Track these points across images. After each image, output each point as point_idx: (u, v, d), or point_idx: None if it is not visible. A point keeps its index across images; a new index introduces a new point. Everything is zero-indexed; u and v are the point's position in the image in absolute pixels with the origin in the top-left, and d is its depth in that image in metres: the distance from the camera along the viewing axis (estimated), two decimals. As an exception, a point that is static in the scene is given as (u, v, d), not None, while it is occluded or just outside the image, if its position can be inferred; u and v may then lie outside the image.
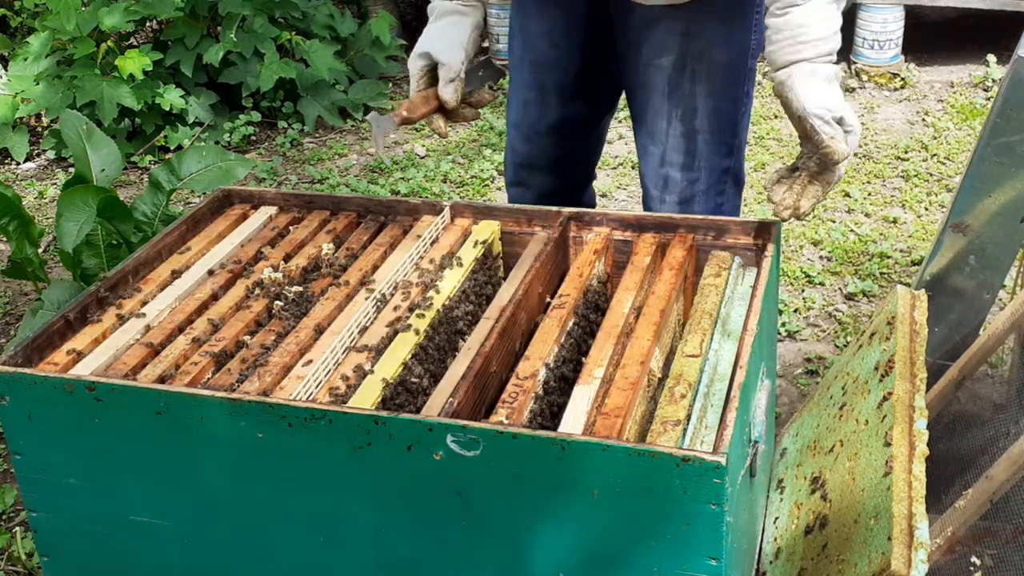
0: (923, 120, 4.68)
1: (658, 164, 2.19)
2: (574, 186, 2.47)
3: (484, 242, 1.99)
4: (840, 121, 1.80)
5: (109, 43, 4.47)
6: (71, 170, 4.34)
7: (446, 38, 2.03)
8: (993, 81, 4.97)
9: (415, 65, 2.04)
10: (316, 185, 4.38)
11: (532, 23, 2.23)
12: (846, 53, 5.19)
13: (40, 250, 3.52)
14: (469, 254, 1.96)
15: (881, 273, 3.46)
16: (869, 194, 4.03)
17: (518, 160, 2.39)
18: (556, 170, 2.39)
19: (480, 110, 2.13)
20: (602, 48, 2.23)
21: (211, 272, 1.95)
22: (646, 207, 2.27)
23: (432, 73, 2.04)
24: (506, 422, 1.51)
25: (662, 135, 2.15)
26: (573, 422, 1.52)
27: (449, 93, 2.01)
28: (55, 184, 4.49)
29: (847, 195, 4.01)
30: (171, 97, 4.52)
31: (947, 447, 2.14)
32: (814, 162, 1.85)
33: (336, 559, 1.58)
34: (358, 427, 1.46)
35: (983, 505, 1.80)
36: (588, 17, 2.19)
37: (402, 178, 4.34)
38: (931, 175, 4.14)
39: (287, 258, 2.00)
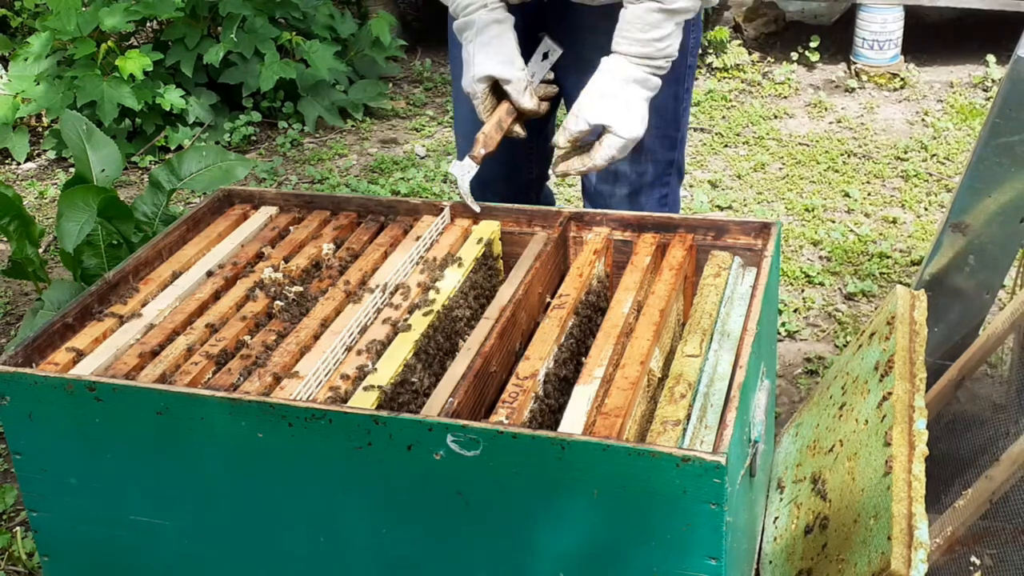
0: (923, 120, 4.68)
1: None
2: (530, 187, 2.48)
3: (485, 242, 1.99)
4: (605, 127, 1.96)
5: (109, 43, 4.47)
6: (71, 170, 4.34)
7: (499, 53, 2.00)
8: (993, 81, 4.97)
9: (477, 88, 2.03)
10: (316, 185, 4.38)
11: None
12: (846, 53, 5.19)
13: (40, 250, 3.52)
14: (469, 254, 1.96)
15: (881, 273, 3.46)
16: (869, 194, 4.03)
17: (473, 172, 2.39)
18: (511, 174, 2.40)
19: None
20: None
21: (211, 272, 1.95)
22: (592, 203, 2.30)
23: (495, 90, 2.04)
24: (506, 422, 1.51)
25: None
26: (573, 422, 1.52)
27: (528, 102, 2.02)
28: (55, 184, 4.49)
29: (847, 195, 4.01)
30: (171, 97, 4.53)
31: (947, 447, 2.14)
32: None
33: (336, 559, 1.58)
34: (358, 427, 1.46)
35: (983, 505, 1.80)
36: (525, 22, 2.17)
37: (402, 178, 4.35)
38: (931, 175, 4.14)
39: (287, 258, 2.00)
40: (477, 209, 2.06)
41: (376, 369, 1.66)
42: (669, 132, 2.23)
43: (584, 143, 2.01)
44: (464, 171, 2.04)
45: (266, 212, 2.16)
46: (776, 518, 2.09)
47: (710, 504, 1.36)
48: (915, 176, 4.13)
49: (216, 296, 1.89)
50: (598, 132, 1.98)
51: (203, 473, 1.58)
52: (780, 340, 3.13)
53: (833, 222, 3.82)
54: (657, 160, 2.24)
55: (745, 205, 3.99)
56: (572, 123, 1.97)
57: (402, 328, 1.76)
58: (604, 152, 1.97)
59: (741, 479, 1.53)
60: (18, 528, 2.51)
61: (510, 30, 2.03)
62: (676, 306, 1.89)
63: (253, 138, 4.84)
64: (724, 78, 5.20)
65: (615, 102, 1.94)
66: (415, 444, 1.44)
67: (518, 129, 2.06)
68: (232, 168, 3.07)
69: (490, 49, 2.00)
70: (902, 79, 5.03)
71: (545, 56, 2.12)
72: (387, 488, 1.50)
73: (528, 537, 1.46)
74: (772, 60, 5.38)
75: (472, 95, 2.04)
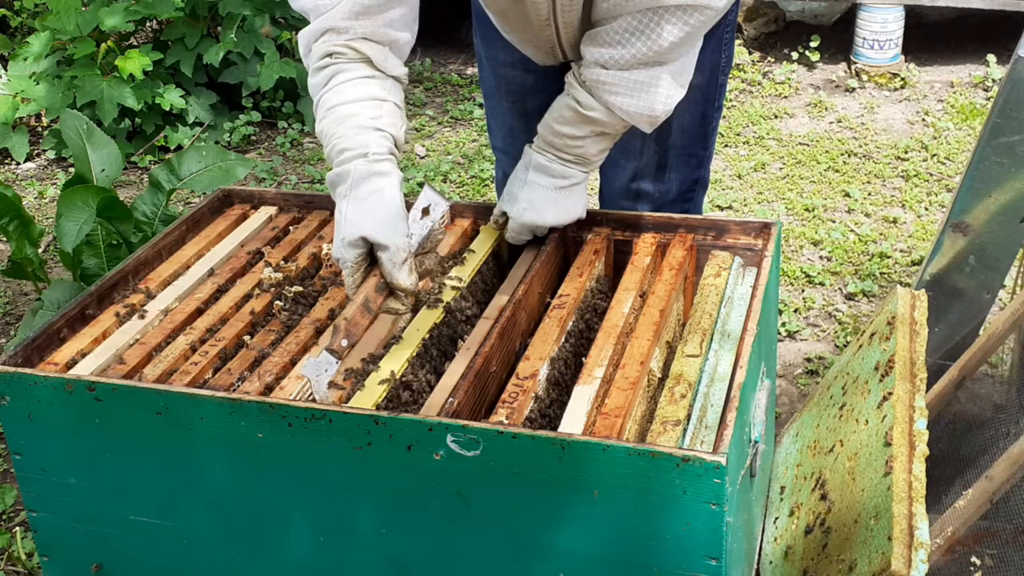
0: (923, 120, 4.68)
1: (630, 178, 2.21)
2: None
3: (493, 244, 1.98)
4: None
5: (109, 43, 4.47)
6: (71, 170, 4.34)
7: (377, 211, 1.66)
8: (993, 81, 4.97)
9: (350, 255, 1.67)
10: (316, 185, 4.38)
11: (500, 54, 2.16)
12: (846, 53, 5.19)
13: (40, 250, 3.52)
14: (470, 254, 1.96)
15: (881, 273, 3.46)
16: (869, 194, 4.03)
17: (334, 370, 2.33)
18: None
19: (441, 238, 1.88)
20: None
21: (211, 272, 1.95)
22: None
23: (371, 258, 1.70)
24: (506, 422, 1.51)
25: (636, 152, 2.16)
26: (573, 422, 1.52)
27: (405, 278, 1.67)
28: (55, 184, 4.49)
29: (847, 195, 4.01)
30: (171, 97, 4.53)
31: (947, 447, 2.14)
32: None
33: (337, 559, 1.58)
34: (358, 427, 1.46)
35: (983, 505, 1.80)
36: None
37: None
38: (931, 175, 4.14)
39: (287, 258, 2.00)
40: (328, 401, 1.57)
41: (377, 369, 1.65)
42: (696, 151, 2.19)
43: None
44: (321, 370, 1.56)
45: (266, 212, 2.16)
46: (776, 518, 2.09)
47: (710, 504, 1.36)
48: (915, 176, 4.13)
49: (216, 296, 1.89)
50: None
51: (203, 473, 1.58)
52: (780, 340, 3.13)
53: (833, 222, 3.82)
54: (683, 179, 2.21)
55: (745, 205, 3.99)
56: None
57: (403, 328, 1.75)
58: (509, 231, 1.96)
59: (741, 479, 1.53)
60: (18, 528, 2.51)
61: (395, 187, 1.69)
62: (676, 306, 1.89)
63: (253, 138, 4.84)
64: (724, 78, 5.19)
65: (513, 186, 1.93)
66: (415, 444, 1.44)
67: (395, 305, 1.70)
68: (232, 168, 3.07)
69: (366, 206, 1.66)
70: (902, 79, 5.03)
71: (425, 212, 1.75)
72: (387, 488, 1.50)
73: (528, 537, 1.46)
74: (772, 60, 5.38)
75: (341, 262, 1.69)
